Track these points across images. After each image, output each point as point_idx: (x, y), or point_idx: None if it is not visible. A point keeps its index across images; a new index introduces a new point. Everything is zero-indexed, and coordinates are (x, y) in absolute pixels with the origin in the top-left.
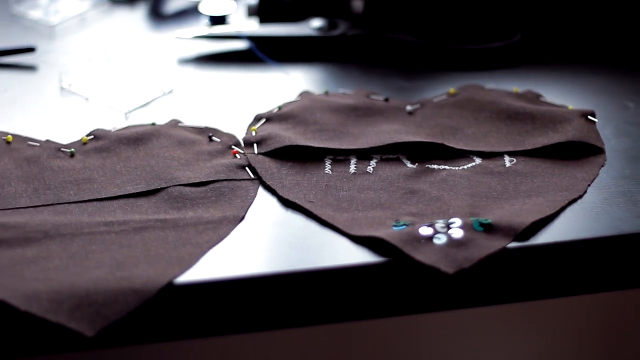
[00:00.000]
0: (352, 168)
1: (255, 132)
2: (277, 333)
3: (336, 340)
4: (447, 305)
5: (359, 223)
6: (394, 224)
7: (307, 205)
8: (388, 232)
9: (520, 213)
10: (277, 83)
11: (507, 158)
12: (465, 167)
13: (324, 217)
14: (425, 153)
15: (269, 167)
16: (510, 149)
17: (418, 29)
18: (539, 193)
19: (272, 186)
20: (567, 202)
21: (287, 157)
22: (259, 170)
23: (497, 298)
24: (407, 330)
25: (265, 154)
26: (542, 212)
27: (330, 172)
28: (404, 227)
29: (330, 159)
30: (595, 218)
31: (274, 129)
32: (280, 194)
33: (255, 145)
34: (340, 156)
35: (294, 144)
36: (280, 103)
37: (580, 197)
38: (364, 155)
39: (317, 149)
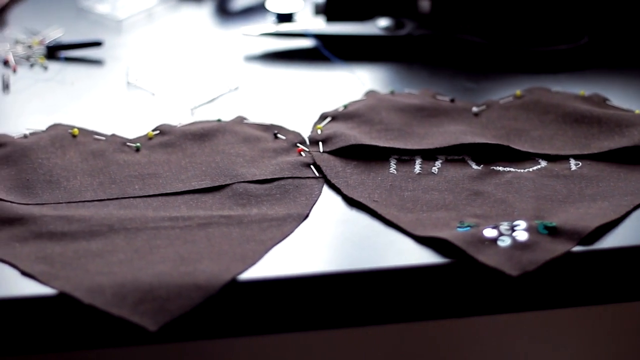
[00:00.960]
0: (417, 168)
1: (321, 131)
2: (338, 332)
3: (397, 340)
4: (510, 308)
5: (423, 223)
6: (458, 225)
7: (371, 205)
8: (452, 233)
9: (585, 217)
10: (342, 82)
11: (572, 161)
12: (530, 169)
13: (388, 216)
14: (490, 155)
15: (333, 166)
16: (576, 152)
17: (485, 30)
18: (604, 197)
19: (336, 185)
20: (632, 207)
21: (352, 156)
22: (323, 169)
23: (560, 302)
24: (468, 332)
25: (331, 152)
26: (607, 217)
27: (395, 172)
28: (468, 228)
29: (395, 158)
30: None
31: (339, 127)
32: (344, 192)
33: (320, 143)
34: (405, 156)
35: (359, 142)
36: (345, 102)
37: None
38: (429, 155)
39: (382, 148)
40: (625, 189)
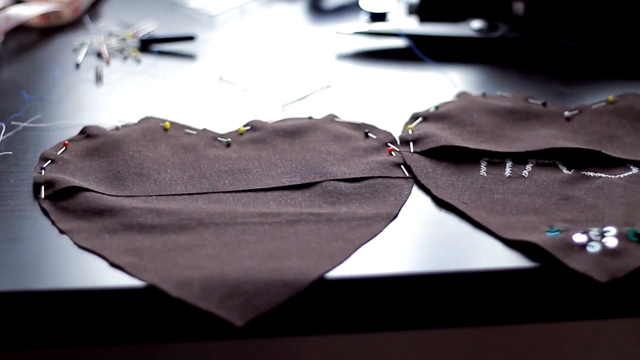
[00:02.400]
0: (508, 171)
1: (412, 131)
2: (423, 333)
3: (481, 343)
4: (597, 315)
5: (513, 227)
6: (548, 229)
7: (461, 207)
8: (541, 237)
9: None
10: (434, 83)
11: None
12: (621, 175)
13: (477, 219)
14: (581, 160)
15: (424, 166)
16: None
17: (579, 34)
18: None
19: (426, 185)
20: None
21: (442, 157)
22: (414, 169)
23: None
24: (553, 338)
25: (421, 153)
26: None
27: (485, 175)
28: (558, 233)
29: (485, 161)
30: None
31: (430, 128)
32: (434, 193)
33: (411, 143)
34: (495, 159)
35: (450, 144)
36: (437, 103)
37: None
38: (519, 159)
39: (473, 150)
40: None
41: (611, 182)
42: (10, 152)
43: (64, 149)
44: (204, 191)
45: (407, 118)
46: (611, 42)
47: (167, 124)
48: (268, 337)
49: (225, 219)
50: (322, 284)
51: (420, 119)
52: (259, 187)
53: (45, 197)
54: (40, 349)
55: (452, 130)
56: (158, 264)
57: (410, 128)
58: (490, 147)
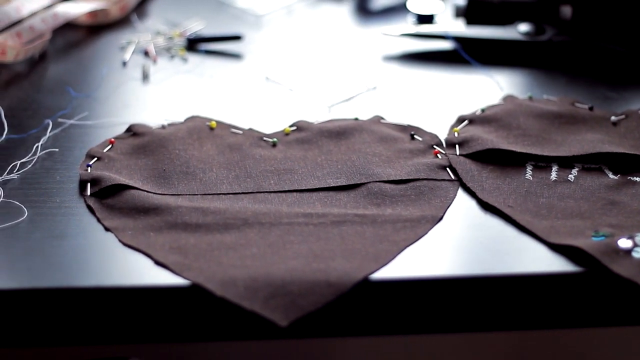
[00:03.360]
0: (554, 175)
1: (458, 133)
2: (467, 336)
3: (525, 346)
4: None
5: (558, 231)
6: (593, 234)
7: (506, 210)
8: (586, 242)
9: None
10: (480, 85)
11: None
12: None
13: (522, 222)
14: (628, 165)
15: (469, 169)
16: None
17: (627, 38)
18: None
19: (472, 188)
20: None
21: (488, 160)
22: (459, 172)
23: None
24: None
25: (467, 155)
26: None
27: (531, 178)
28: (603, 238)
29: (531, 164)
30: None
31: (476, 131)
32: (479, 196)
33: (457, 146)
34: (541, 162)
35: (496, 147)
36: (483, 106)
37: None
38: (565, 163)
39: (519, 154)
40: None
41: None
42: (57, 149)
43: (110, 146)
44: (249, 191)
45: (453, 121)
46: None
47: (213, 123)
48: (311, 338)
49: (270, 219)
50: (367, 285)
51: (466, 122)
52: (304, 188)
53: (91, 194)
54: (84, 345)
55: (498, 134)
56: (203, 262)
57: (456, 130)
58: (536, 150)
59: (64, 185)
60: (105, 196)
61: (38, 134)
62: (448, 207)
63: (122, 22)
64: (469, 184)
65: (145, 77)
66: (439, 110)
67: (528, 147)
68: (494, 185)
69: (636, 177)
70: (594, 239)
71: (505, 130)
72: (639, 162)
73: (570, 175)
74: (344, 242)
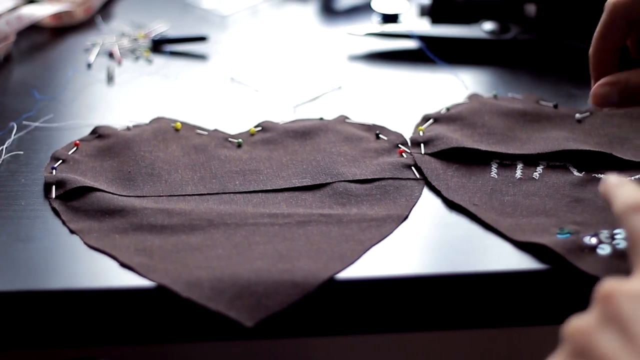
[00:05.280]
0: (519, 173)
1: (423, 132)
2: (433, 334)
3: (491, 345)
4: None
5: (523, 229)
6: (558, 231)
7: (471, 209)
8: (552, 239)
9: None
10: (446, 84)
11: None
12: (632, 177)
13: (488, 220)
14: (592, 162)
15: (434, 168)
16: None
17: (591, 36)
18: None
19: (437, 187)
20: None
21: (453, 158)
22: (424, 171)
23: None
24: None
25: (432, 154)
26: None
27: (496, 176)
28: (568, 235)
29: (496, 162)
30: None
31: (441, 130)
32: (445, 195)
33: (422, 145)
34: (506, 160)
35: (461, 146)
36: (448, 104)
37: None
38: (530, 161)
39: (484, 152)
40: None
41: None
42: (22, 152)
43: (75, 148)
44: (215, 192)
45: (418, 119)
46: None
47: (179, 125)
48: (277, 338)
49: (236, 220)
50: (332, 285)
51: (431, 121)
52: (269, 188)
53: (56, 197)
54: (49, 348)
55: (463, 132)
56: (168, 264)
57: (421, 129)
58: (501, 148)
59: (29, 188)
60: (71, 198)
61: (3, 136)
62: (413, 206)
63: (86, 24)
64: (434, 183)
65: (110, 78)
66: (404, 110)
67: (493, 146)
68: (459, 183)
69: (601, 174)
70: (559, 236)
71: (470, 129)
72: (604, 159)
73: (535, 173)
74: (310, 242)
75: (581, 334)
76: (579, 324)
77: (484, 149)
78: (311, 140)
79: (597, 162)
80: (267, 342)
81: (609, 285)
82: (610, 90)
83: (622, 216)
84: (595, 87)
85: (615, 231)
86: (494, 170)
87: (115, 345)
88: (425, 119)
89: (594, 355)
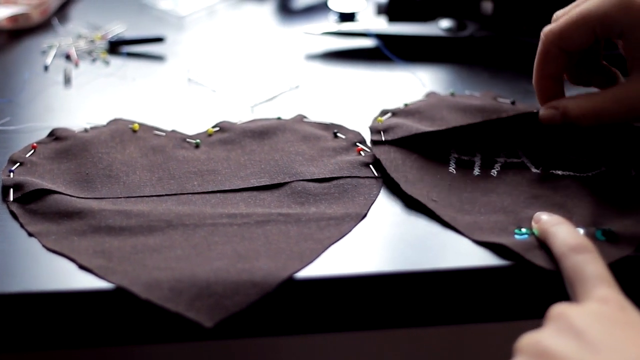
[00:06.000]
0: (477, 170)
1: (382, 122)
2: (393, 332)
3: (451, 342)
4: None
5: (481, 227)
6: (516, 231)
7: (430, 204)
8: (510, 239)
9: None
10: (403, 82)
11: (632, 169)
12: (590, 174)
13: (446, 218)
14: (550, 158)
15: (393, 158)
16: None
17: None
18: None
19: (395, 179)
20: None
21: (412, 149)
22: (383, 161)
23: None
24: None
25: (392, 142)
26: None
27: (455, 172)
28: (526, 236)
29: (455, 157)
30: None
31: (400, 120)
32: (403, 188)
33: (382, 132)
34: (465, 156)
35: (421, 131)
36: (406, 102)
37: None
38: (488, 157)
39: (442, 146)
40: None
41: (579, 181)
42: None
43: (32, 151)
44: (173, 192)
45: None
46: None
47: (136, 126)
48: (237, 338)
49: (194, 220)
50: (291, 284)
51: (389, 114)
52: (227, 188)
53: (14, 199)
54: (8, 352)
55: (422, 124)
56: (127, 265)
57: (380, 120)
58: (460, 132)
59: None
60: (28, 201)
61: None
62: (372, 204)
63: (43, 26)
64: (393, 175)
65: (67, 80)
66: (362, 108)
67: (453, 133)
68: (418, 176)
69: (558, 170)
70: (516, 236)
71: (429, 122)
72: (561, 155)
73: (493, 171)
74: (269, 242)
75: (537, 342)
76: (533, 336)
77: (444, 128)
78: (269, 139)
79: (554, 159)
80: (228, 342)
81: (561, 307)
82: (554, 113)
83: (563, 256)
84: (541, 110)
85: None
86: (452, 166)
87: (74, 348)
88: (384, 112)
89: (551, 357)
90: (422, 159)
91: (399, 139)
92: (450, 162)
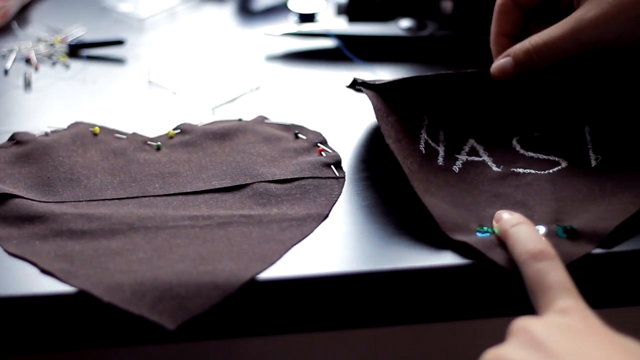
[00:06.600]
0: (440, 160)
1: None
2: (356, 332)
3: (415, 341)
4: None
5: (446, 214)
6: (478, 229)
7: (405, 169)
8: (472, 238)
9: (605, 216)
10: None
11: (592, 157)
12: (550, 171)
13: (418, 190)
14: (511, 157)
15: (379, 109)
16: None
17: None
18: (624, 189)
19: (382, 130)
20: None
21: (393, 109)
22: (373, 104)
23: None
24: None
25: (375, 88)
26: (627, 212)
27: (423, 151)
28: (488, 234)
29: (424, 139)
30: None
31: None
32: (387, 141)
33: (364, 82)
34: (432, 142)
35: (400, 78)
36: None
37: None
38: (451, 151)
39: (416, 115)
40: None
41: (540, 178)
42: None
43: None
44: (135, 195)
45: (337, 118)
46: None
47: (97, 129)
48: (200, 341)
49: (156, 223)
50: (254, 285)
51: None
52: (189, 191)
53: None
54: None
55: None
56: (89, 269)
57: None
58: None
59: None
60: None
61: None
62: (333, 204)
63: (2, 30)
64: (380, 122)
65: (27, 84)
66: (323, 109)
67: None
68: (396, 138)
69: (519, 168)
70: (478, 234)
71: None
72: (521, 153)
73: (454, 167)
74: (231, 244)
75: (499, 357)
76: (496, 351)
77: (421, 75)
78: (230, 141)
79: (515, 156)
80: (191, 345)
81: (522, 321)
82: (504, 62)
83: (523, 264)
84: (492, 66)
85: (535, 227)
86: (422, 145)
87: (36, 352)
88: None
89: None
90: (400, 124)
91: (381, 85)
92: (421, 141)
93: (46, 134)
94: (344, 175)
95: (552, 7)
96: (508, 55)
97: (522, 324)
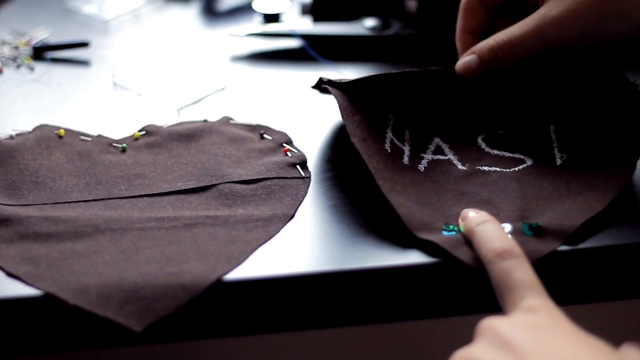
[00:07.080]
0: (406, 159)
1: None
2: (322, 332)
3: (382, 340)
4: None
5: (412, 213)
6: (444, 227)
7: (371, 168)
8: (438, 236)
9: (571, 214)
10: None
11: (557, 155)
12: (516, 169)
13: (384, 189)
14: (476, 156)
15: (345, 108)
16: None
17: None
18: (589, 188)
19: (347, 130)
20: (617, 192)
21: (358, 108)
22: (339, 103)
23: None
24: (455, 332)
25: (340, 86)
26: (593, 209)
27: (389, 151)
28: (454, 233)
29: (390, 138)
30: None
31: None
32: (352, 141)
33: (331, 80)
34: (397, 141)
35: (366, 76)
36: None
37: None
38: (416, 150)
39: (381, 114)
40: (610, 173)
41: (506, 176)
42: None
43: None
44: (100, 197)
45: (302, 118)
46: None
47: (62, 132)
48: (168, 342)
49: (122, 225)
50: (220, 286)
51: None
52: (155, 192)
53: None
54: None
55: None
56: (55, 272)
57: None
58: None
59: None
60: None
61: None
62: (299, 204)
63: None
64: (345, 121)
65: None
66: (288, 109)
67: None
68: (362, 137)
69: (484, 166)
70: (444, 233)
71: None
72: (486, 151)
73: (420, 166)
74: (197, 245)
75: (467, 358)
76: (464, 352)
77: (387, 72)
78: (196, 142)
79: (479, 156)
80: (159, 346)
81: (489, 321)
82: (469, 59)
83: (489, 263)
84: (457, 64)
85: (501, 225)
86: (387, 144)
87: (3, 356)
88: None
89: None
90: (365, 123)
91: (347, 83)
92: (386, 140)
93: (11, 137)
94: (310, 175)
95: (519, 4)
96: (473, 53)
97: (489, 323)
